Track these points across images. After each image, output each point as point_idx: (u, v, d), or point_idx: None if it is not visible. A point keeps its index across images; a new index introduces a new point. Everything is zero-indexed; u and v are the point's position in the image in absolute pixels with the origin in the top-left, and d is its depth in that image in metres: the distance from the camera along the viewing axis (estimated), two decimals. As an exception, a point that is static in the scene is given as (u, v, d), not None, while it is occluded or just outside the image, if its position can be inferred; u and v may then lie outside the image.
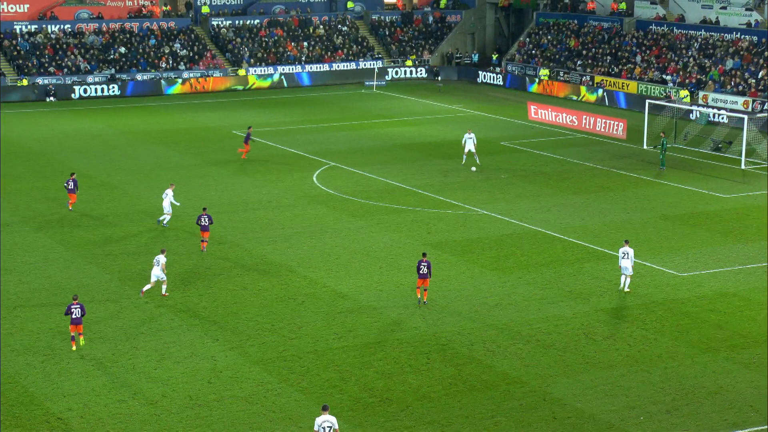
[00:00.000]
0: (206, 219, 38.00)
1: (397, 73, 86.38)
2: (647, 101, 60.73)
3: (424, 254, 32.95)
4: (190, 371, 27.83)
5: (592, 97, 73.91)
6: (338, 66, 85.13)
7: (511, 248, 38.90)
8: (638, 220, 42.62)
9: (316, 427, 22.29)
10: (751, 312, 31.96)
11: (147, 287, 33.34)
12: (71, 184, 43.92)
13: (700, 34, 74.01)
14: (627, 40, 78.13)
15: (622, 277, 33.99)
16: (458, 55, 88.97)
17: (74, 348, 28.89)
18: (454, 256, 37.75)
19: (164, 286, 33.56)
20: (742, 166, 52.19)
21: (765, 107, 63.20)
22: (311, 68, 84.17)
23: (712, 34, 73.28)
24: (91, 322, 31.06)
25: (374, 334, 30.48)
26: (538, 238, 40.19)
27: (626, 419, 24.98)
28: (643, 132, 58.33)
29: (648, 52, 75.78)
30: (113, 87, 77.16)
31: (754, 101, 64.55)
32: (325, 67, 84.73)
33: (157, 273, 33.08)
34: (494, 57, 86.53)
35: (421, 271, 32.38)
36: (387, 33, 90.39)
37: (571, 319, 31.49)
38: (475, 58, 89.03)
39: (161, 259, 33.24)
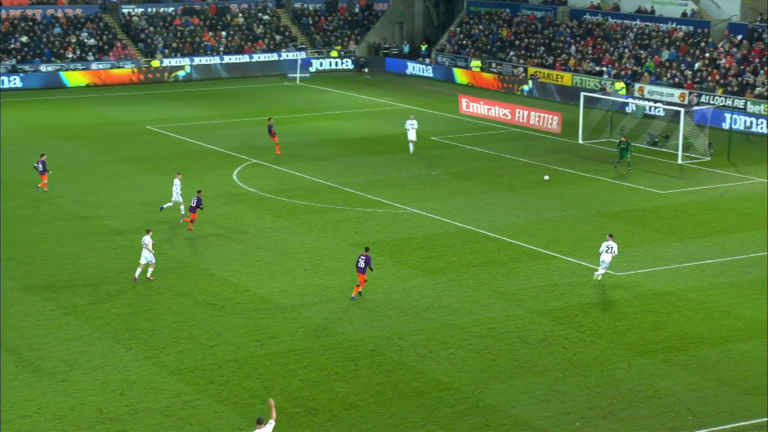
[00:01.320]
0: (195, 201, 40.34)
1: (321, 64, 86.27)
2: (582, 94, 61.63)
3: (366, 249, 33.83)
4: (100, 383, 27.44)
5: (524, 89, 74.74)
6: (259, 57, 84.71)
7: (442, 248, 39.14)
8: (574, 218, 43.22)
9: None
10: (688, 312, 32.64)
11: (138, 271, 34.22)
12: (40, 165, 45.72)
13: (636, 24, 75.36)
14: (561, 30, 79.19)
15: (600, 269, 34.97)
16: (386, 46, 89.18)
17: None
18: (383, 257, 37.83)
19: (151, 269, 34.71)
20: (679, 161, 53.27)
21: (701, 100, 64.62)
22: (230, 59, 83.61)
23: (648, 24, 74.68)
24: (-8, 331, 30.47)
25: (299, 341, 30.40)
26: (470, 237, 40.50)
27: (562, 425, 25.31)
28: (578, 126, 59.16)
29: (583, 42, 76.92)
30: (14, 79, 75.65)
31: (690, 94, 65.94)
32: (245, 58, 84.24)
33: (146, 255, 34.21)
34: (423, 47, 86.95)
35: (358, 266, 33.07)
36: (310, 22, 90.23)
37: (504, 322, 31.81)
38: (406, 48, 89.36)
39: (147, 239, 34.23)
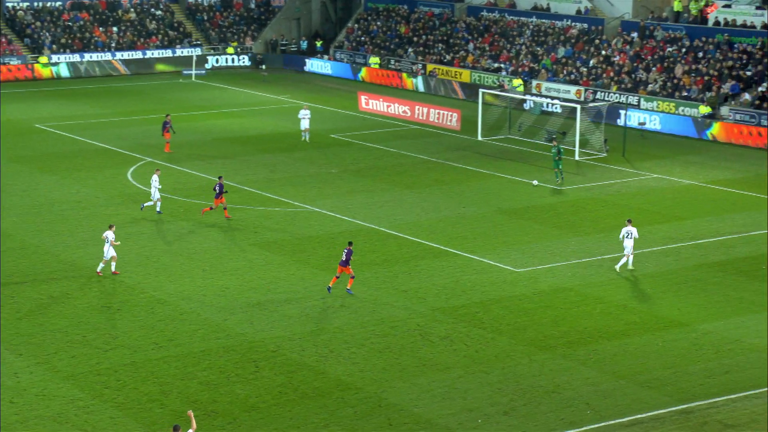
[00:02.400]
0: (217, 187, 41.41)
1: (217, 61, 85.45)
2: (480, 91, 62.37)
3: (349, 243, 34.54)
4: (-10, 391, 26.73)
5: (417, 85, 75.27)
6: (153, 53, 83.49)
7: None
8: (474, 215, 43.71)
9: None
10: (587, 307, 33.32)
11: (101, 266, 34.40)
12: None
13: (532, 21, 76.58)
14: (458, 26, 79.99)
15: (623, 258, 36.02)
16: (283, 42, 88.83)
17: None
18: (284, 257, 37.70)
19: (113, 264, 35.02)
20: (576, 158, 54.33)
21: (597, 96, 66.01)
22: (122, 56, 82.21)
23: (544, 21, 75.97)
24: None
25: (198, 343, 30.08)
26: (371, 235, 40.63)
27: (464, 422, 25.59)
28: (477, 123, 59.85)
29: (480, 39, 77.82)
30: None
31: (586, 90, 67.29)
32: (138, 55, 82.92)
33: (108, 250, 34.37)
34: (318, 44, 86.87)
35: (342, 258, 33.63)
36: (205, 18, 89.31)
37: (406, 320, 32.00)
38: (304, 45, 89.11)
39: (110, 235, 34.41)
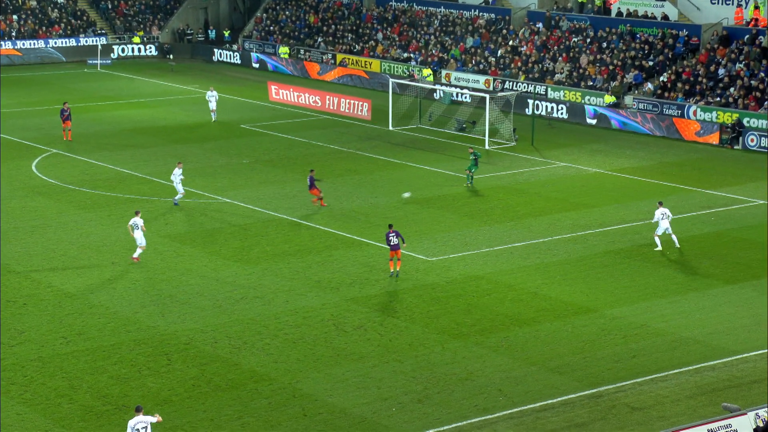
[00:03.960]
0: (309, 180, 42.35)
1: (123, 50, 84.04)
2: (391, 80, 62.48)
3: (390, 225, 34.67)
4: None
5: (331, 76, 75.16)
6: (56, 42, 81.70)
7: (255, 237, 38.91)
8: (386, 204, 43.80)
9: (129, 431, 21.70)
10: (498, 294, 33.68)
11: (139, 252, 34.27)
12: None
13: (440, 11, 76.94)
14: (366, 15, 79.95)
15: (658, 238, 37.39)
16: (189, 32, 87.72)
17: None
18: (195, 248, 37.30)
19: (139, 251, 35.03)
20: (486, 147, 54.81)
21: (506, 86, 66.70)
22: (23, 45, 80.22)
23: (452, 11, 76.38)
24: None
25: (108, 336, 29.59)
26: (283, 225, 40.44)
27: (378, 411, 25.66)
28: (388, 112, 59.96)
29: (389, 29, 77.92)
30: None
31: (495, 80, 67.92)
32: (41, 44, 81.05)
33: (140, 236, 34.83)
34: (226, 34, 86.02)
35: (392, 242, 33.79)
36: (110, 6, 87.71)
37: (320, 310, 31.94)
38: (212, 34, 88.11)
39: (139, 221, 34.30)
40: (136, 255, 35.43)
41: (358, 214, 42.21)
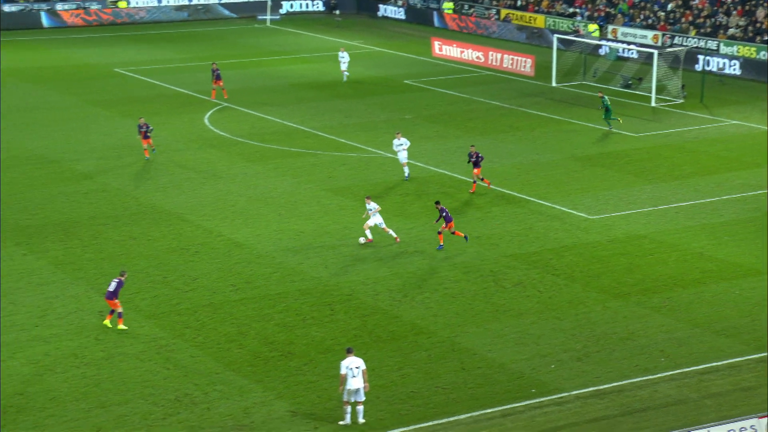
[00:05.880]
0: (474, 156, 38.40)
1: (291, 6, 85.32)
2: (555, 36, 61.44)
3: (437, 202, 33.62)
4: (75, 328, 27.42)
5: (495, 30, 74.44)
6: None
7: (416, 193, 39.16)
8: (548, 161, 43.32)
9: (343, 370, 22.49)
10: (661, 255, 32.94)
11: (368, 238, 33.27)
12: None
13: (610, -34, 74.91)
14: (534, -29, 78.59)
15: None
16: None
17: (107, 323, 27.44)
18: (357, 202, 37.84)
19: (391, 232, 33.40)
20: (653, 104, 53.40)
21: (675, 42, 64.64)
22: (198, 0, 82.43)
23: (622, -35, 74.21)
24: (-36, 278, 30.35)
25: (274, 285, 30.46)
26: (444, 181, 40.53)
27: (537, 368, 25.60)
28: (551, 68, 59.07)
29: (556, -16, 76.41)
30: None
31: (663, 35, 65.89)
32: (213, 0, 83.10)
33: (379, 221, 33.13)
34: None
35: (446, 215, 32.80)
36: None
37: (479, 266, 31.98)
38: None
39: (375, 206, 33.20)
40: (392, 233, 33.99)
41: (519, 171, 41.89)
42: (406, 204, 37.80)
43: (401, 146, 39.82)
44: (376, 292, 30.03)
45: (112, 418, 23.11)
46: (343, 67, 59.21)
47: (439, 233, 33.30)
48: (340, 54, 59.73)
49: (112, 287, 27.19)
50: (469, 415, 23.40)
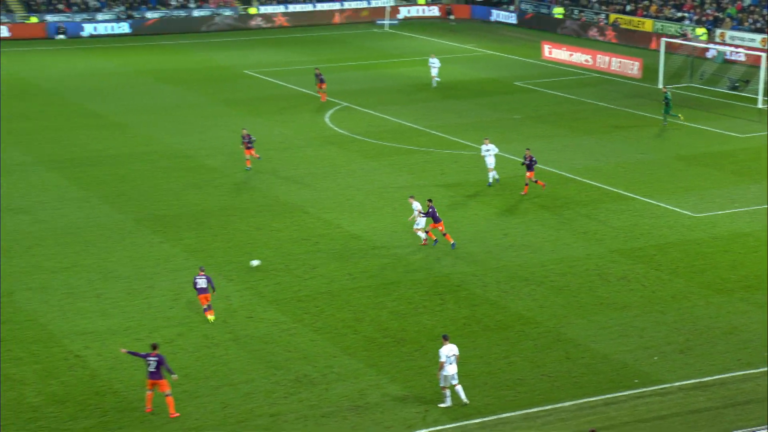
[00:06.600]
0: (527, 159, 37.10)
1: (409, 11, 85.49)
2: (663, 40, 60.07)
3: (429, 200, 32.85)
4: (205, 311, 28.03)
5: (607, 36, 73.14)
6: (349, 4, 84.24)
7: (522, 189, 38.76)
8: (652, 161, 42.42)
9: (443, 358, 22.66)
10: (765, 252, 31.89)
11: (423, 236, 32.56)
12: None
13: (718, -29, 72.83)
14: (643, -23, 76.96)
15: None
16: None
17: (210, 318, 27.45)
18: (468, 198, 37.71)
19: (422, 234, 32.39)
20: (759, 105, 51.74)
21: (782, 46, 62.48)
22: (321, 6, 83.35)
23: (730, -30, 72.13)
24: (107, 261, 31.30)
25: (388, 275, 30.58)
26: (551, 179, 40.06)
27: (640, 359, 25.12)
28: (658, 71, 57.78)
29: (664, -11, 74.72)
30: (123, 25, 76.64)
31: (771, 39, 63.76)
32: (336, 5, 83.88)
33: (420, 221, 32.33)
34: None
35: (434, 214, 32.18)
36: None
37: (584, 261, 31.53)
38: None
39: (417, 205, 32.46)
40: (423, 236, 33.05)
41: (624, 170, 41.12)
42: (515, 200, 37.48)
43: (488, 152, 38.77)
44: (484, 284, 29.88)
45: (238, 395, 23.57)
46: (434, 72, 58.03)
47: (428, 232, 32.46)
48: (431, 60, 58.63)
49: (203, 283, 27.21)
50: (572, 402, 23.12)
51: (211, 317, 27.33)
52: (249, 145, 40.98)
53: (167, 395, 22.58)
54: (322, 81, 53.93)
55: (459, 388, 22.92)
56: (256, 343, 26.20)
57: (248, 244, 33.10)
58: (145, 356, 22.76)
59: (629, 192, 38.05)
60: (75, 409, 22.98)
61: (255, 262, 30.37)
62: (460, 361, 23.56)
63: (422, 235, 32.73)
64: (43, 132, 47.67)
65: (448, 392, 22.87)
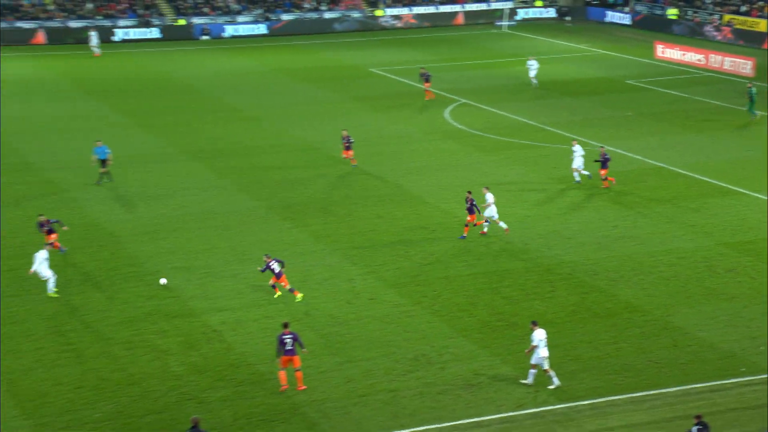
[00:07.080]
0: (601, 157, 36.73)
1: (527, 13, 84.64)
2: (776, 39, 57.92)
3: (469, 192, 32.57)
4: (330, 292, 28.54)
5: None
6: (470, 6, 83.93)
7: (635, 183, 38.10)
8: (762, 158, 41.01)
9: (535, 341, 22.84)
10: None
11: (504, 225, 32.71)
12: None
13: (834, -29, 69.72)
14: (757, -22, 74.29)
15: None
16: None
17: (277, 294, 28.01)
18: (580, 190, 37.23)
19: (502, 224, 32.53)
20: None
21: None
22: (443, 9, 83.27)
23: None
24: (242, 244, 32.17)
25: (502, 263, 30.52)
26: (662, 173, 39.22)
27: (747, 349, 24.44)
28: (771, 70, 55.82)
29: (778, -11, 71.96)
30: (260, 26, 78.25)
31: None
32: (457, 8, 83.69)
33: (493, 212, 32.13)
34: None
35: (471, 207, 32.02)
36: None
37: (693, 252, 30.80)
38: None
39: (491, 196, 32.43)
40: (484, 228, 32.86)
41: (734, 166, 39.89)
42: (625, 193, 36.83)
43: (576, 153, 37.93)
44: (594, 272, 29.52)
45: (360, 371, 23.96)
46: (532, 74, 56.52)
47: (466, 226, 32.06)
48: (529, 62, 57.19)
49: (277, 269, 27.50)
50: (679, 388, 22.70)
51: (299, 296, 27.71)
52: (347, 146, 40.45)
53: (297, 370, 23.11)
54: (427, 80, 53.90)
55: (552, 373, 22.77)
56: (377, 323, 26.55)
57: (371, 231, 33.49)
58: (280, 337, 23.17)
59: (738, 187, 36.94)
60: (213, 379, 23.76)
61: (163, 281, 28.99)
62: (569, 346, 23.36)
63: (503, 225, 32.57)
64: (184, 125, 49.19)
65: (534, 371, 22.80)
